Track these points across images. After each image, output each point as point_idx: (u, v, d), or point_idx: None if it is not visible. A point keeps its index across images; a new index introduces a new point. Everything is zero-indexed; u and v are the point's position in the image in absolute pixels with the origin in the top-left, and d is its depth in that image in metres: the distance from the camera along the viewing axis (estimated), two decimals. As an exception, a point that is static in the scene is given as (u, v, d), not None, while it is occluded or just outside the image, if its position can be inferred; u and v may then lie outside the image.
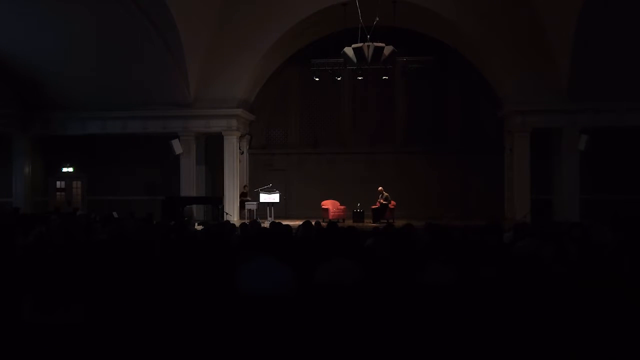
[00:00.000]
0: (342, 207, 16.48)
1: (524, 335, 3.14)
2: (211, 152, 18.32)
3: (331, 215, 16.38)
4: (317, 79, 16.73)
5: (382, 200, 15.88)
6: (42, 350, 2.90)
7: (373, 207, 15.96)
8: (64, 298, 3.34)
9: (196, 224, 13.59)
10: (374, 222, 15.31)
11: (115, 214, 13.11)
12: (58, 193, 19.82)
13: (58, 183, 19.70)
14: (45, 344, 2.99)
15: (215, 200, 16.59)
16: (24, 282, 3.98)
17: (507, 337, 3.10)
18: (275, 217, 16.13)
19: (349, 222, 15.06)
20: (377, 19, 13.70)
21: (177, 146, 16.87)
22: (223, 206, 16.80)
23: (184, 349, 3.16)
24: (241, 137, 18.18)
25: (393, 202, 16.29)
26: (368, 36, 13.43)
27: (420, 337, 3.14)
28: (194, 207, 17.47)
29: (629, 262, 4.91)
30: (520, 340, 3.09)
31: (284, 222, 8.69)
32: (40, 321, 3.21)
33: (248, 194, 17.04)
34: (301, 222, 7.88)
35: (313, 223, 8.20)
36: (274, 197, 16.44)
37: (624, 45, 14.41)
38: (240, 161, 17.97)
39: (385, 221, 14.74)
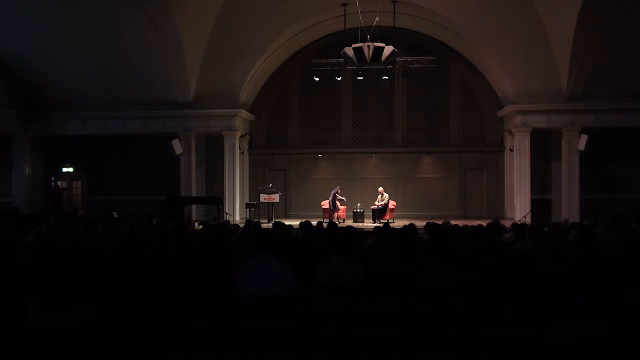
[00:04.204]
0: (343, 207, 16.47)
1: (523, 334, 3.14)
2: (211, 152, 18.31)
3: (331, 215, 16.35)
4: (317, 79, 16.73)
5: (379, 204, 15.82)
6: (47, 351, 2.90)
7: (373, 207, 15.96)
8: (69, 299, 3.34)
9: (196, 224, 13.60)
10: (374, 222, 15.31)
11: (115, 214, 13.12)
12: (58, 193, 19.82)
13: (58, 183, 19.69)
14: (50, 344, 3.00)
15: (215, 200, 16.58)
16: (27, 282, 3.98)
17: (506, 337, 3.10)
18: (275, 217, 16.16)
19: (349, 222, 15.05)
20: (377, 19, 13.70)
21: (177, 146, 16.85)
22: (223, 206, 16.80)
23: (185, 349, 3.17)
24: (241, 137, 18.17)
25: (393, 202, 16.29)
26: (368, 36, 13.43)
27: (420, 336, 3.14)
28: (194, 207, 17.47)
29: (629, 262, 4.92)
30: (519, 339, 3.09)
31: (285, 222, 8.67)
32: (46, 322, 3.22)
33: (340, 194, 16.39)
34: (302, 222, 7.85)
35: (315, 223, 8.20)
36: (274, 197, 16.43)
37: (624, 45, 14.41)
38: (240, 161, 17.97)
39: (385, 221, 14.74)
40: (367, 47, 12.88)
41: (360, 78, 16.51)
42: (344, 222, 15.53)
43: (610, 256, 5.43)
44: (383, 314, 3.60)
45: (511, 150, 17.24)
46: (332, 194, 15.99)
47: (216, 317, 3.56)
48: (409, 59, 16.41)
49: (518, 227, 7.67)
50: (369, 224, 15.07)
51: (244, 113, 17.76)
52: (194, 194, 17.24)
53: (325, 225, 9.09)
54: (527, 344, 3.07)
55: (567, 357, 3.01)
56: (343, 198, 16.20)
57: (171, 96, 16.79)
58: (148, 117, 17.29)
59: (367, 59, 13.05)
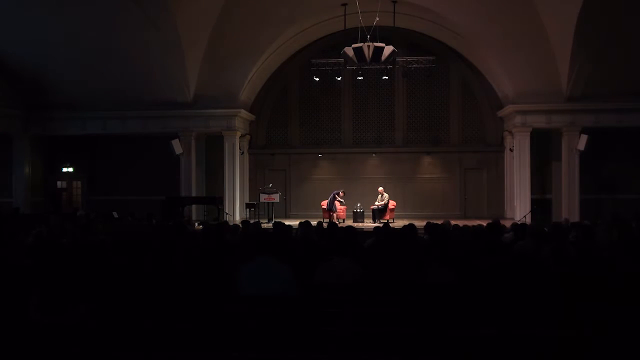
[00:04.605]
0: (343, 207, 16.48)
1: (523, 335, 3.14)
2: (211, 152, 18.31)
3: (332, 215, 16.35)
4: (317, 79, 16.72)
5: (379, 204, 15.82)
6: (48, 350, 2.90)
7: (373, 207, 15.96)
8: (70, 299, 3.34)
9: (196, 224, 13.61)
10: (374, 222, 15.31)
11: (115, 214, 13.14)
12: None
13: (58, 183, 19.69)
14: (51, 343, 3.00)
15: (215, 200, 16.58)
16: (28, 282, 3.98)
17: (506, 337, 3.10)
18: (275, 217, 16.16)
19: (349, 222, 15.05)
20: (377, 19, 13.70)
21: (177, 146, 16.86)
22: (223, 206, 16.80)
23: (185, 349, 3.17)
24: (241, 137, 18.17)
25: (393, 202, 16.29)
26: (368, 36, 13.43)
27: (420, 336, 3.14)
28: (194, 207, 17.47)
29: (629, 262, 4.91)
30: (519, 339, 3.09)
31: (285, 222, 8.66)
32: (47, 321, 3.22)
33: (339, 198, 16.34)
34: (302, 222, 7.85)
35: (315, 223, 8.20)
36: (274, 197, 16.43)
37: (624, 45, 14.42)
38: (240, 161, 17.97)
39: (385, 221, 14.74)
40: (367, 47, 12.87)
41: (360, 78, 16.49)
42: (343, 222, 15.53)
43: (610, 256, 5.43)
44: (383, 314, 3.60)
45: (511, 150, 17.25)
46: (332, 195, 15.98)
47: (216, 317, 3.56)
48: (409, 59, 16.41)
49: (518, 227, 7.66)
50: (369, 224, 15.07)
51: (244, 113, 17.76)
52: (194, 194, 17.23)
53: (325, 225, 9.09)
54: (527, 344, 3.07)
55: (567, 357, 3.01)
56: (342, 200, 16.18)
57: (171, 96, 16.79)
58: (148, 117, 17.28)
59: (367, 59, 13.05)
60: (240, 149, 17.96)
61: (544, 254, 5.53)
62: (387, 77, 16.13)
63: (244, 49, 16.21)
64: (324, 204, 16.64)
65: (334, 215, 15.93)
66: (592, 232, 6.98)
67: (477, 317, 3.57)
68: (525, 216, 15.75)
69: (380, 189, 16.17)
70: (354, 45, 13.07)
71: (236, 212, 17.40)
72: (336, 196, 15.97)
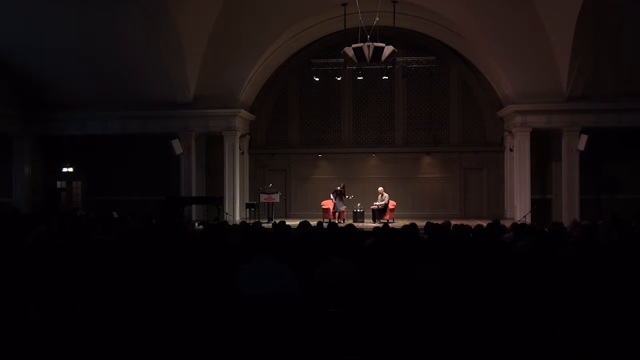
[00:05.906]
0: (343, 207, 16.46)
1: (522, 335, 3.14)
2: (211, 152, 18.31)
3: (331, 215, 16.36)
4: (317, 79, 16.73)
5: (379, 204, 15.81)
6: (47, 350, 2.90)
7: (373, 207, 15.95)
8: (69, 299, 3.34)
9: (196, 224, 13.60)
10: (374, 222, 15.31)
11: (115, 214, 13.13)
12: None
13: (58, 183, 19.68)
14: (50, 343, 3.00)
15: (215, 200, 16.58)
16: (27, 282, 3.98)
17: (505, 337, 3.10)
18: (275, 217, 16.16)
19: (349, 222, 15.04)
20: (377, 19, 13.70)
21: (177, 146, 16.85)
22: (223, 206, 16.80)
23: (185, 349, 3.17)
24: (241, 137, 18.17)
25: (393, 202, 16.29)
26: (368, 36, 13.43)
27: (420, 336, 3.14)
28: (194, 207, 17.46)
29: (629, 262, 4.92)
30: (518, 339, 3.09)
31: (284, 222, 8.66)
32: (45, 321, 3.22)
33: (345, 192, 16.44)
34: (301, 222, 7.85)
35: (315, 223, 8.19)
36: (274, 197, 16.43)
37: (624, 45, 14.41)
38: (240, 161, 17.96)
39: (385, 221, 14.75)
40: (367, 47, 12.86)
41: (360, 78, 16.50)
42: (343, 222, 15.53)
43: (610, 256, 5.43)
44: (383, 314, 3.60)
45: (511, 150, 17.25)
46: (332, 197, 15.95)
47: (216, 317, 3.56)
48: (409, 59, 16.42)
49: (518, 227, 7.67)
50: (369, 223, 15.07)
51: (244, 113, 17.76)
52: (194, 194, 17.22)
53: (325, 225, 9.09)
54: (527, 345, 3.06)
55: (567, 358, 3.01)
56: (346, 196, 16.13)
57: (171, 96, 16.78)
58: (148, 117, 17.27)
59: (367, 59, 13.04)
60: (240, 149, 17.96)
61: (543, 254, 5.53)
62: (387, 77, 16.13)
63: (244, 49, 16.20)
64: (324, 204, 16.63)
65: (335, 214, 15.93)
66: (593, 232, 6.99)
67: (476, 317, 3.57)
68: (525, 216, 15.75)
69: (380, 189, 16.17)
70: (354, 45, 13.06)
71: (236, 212, 17.39)
72: (334, 197, 15.95)
